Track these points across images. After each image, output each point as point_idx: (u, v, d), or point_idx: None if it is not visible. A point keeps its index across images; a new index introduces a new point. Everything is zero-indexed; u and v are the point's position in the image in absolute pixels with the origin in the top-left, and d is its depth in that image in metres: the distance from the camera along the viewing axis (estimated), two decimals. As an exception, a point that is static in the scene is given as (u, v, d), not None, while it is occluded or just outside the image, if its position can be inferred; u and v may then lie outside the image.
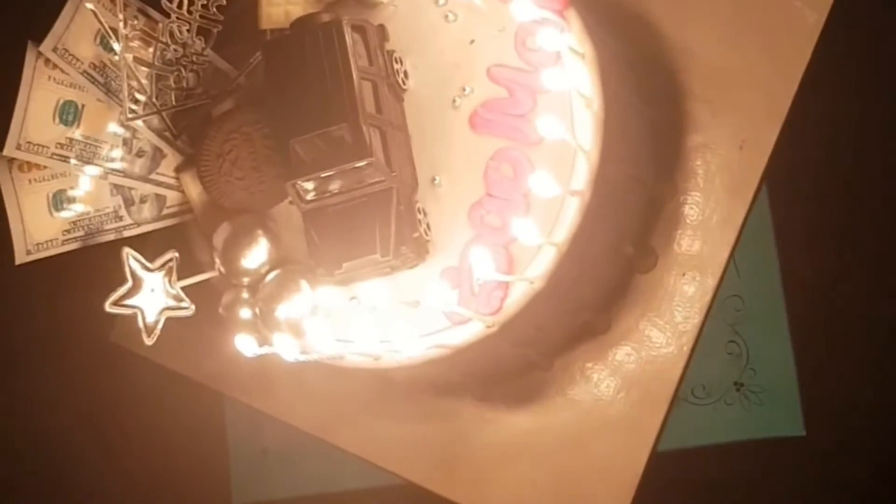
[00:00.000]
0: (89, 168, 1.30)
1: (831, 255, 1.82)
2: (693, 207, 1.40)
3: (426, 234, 1.24)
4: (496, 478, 1.42)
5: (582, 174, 1.20)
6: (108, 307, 1.25)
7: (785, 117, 1.38)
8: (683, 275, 1.39)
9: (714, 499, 1.81)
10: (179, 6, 1.26)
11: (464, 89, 1.26)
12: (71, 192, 1.30)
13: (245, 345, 1.20)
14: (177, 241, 1.32)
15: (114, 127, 1.30)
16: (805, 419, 1.59)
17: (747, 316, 1.61)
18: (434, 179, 1.26)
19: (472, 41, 1.27)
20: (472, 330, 1.22)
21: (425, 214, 1.25)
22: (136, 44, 1.28)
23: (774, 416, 1.59)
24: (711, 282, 1.38)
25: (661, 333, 1.39)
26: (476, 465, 1.43)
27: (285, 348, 1.19)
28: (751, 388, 1.60)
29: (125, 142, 1.31)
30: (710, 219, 1.39)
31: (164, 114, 1.29)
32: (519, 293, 1.21)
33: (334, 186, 1.21)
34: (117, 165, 1.30)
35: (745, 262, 1.59)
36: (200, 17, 1.28)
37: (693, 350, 1.38)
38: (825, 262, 1.80)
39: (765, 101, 1.38)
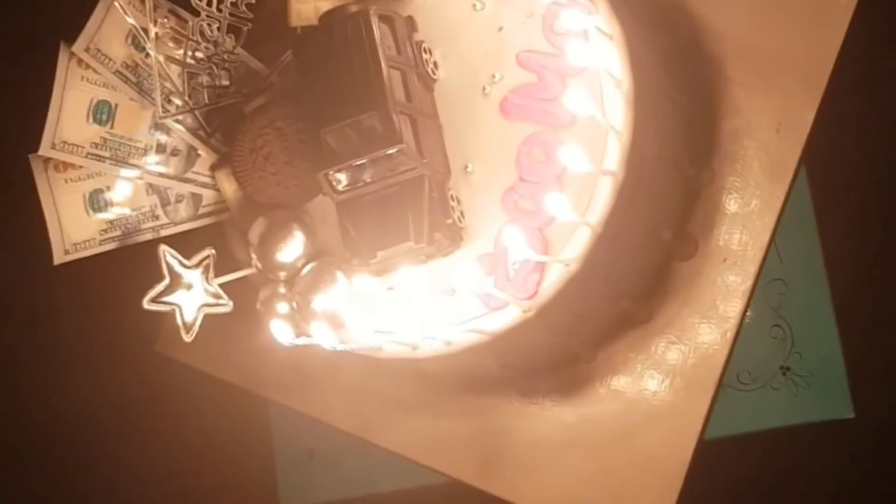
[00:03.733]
0: (125, 168, 1.31)
1: (873, 236, 1.80)
2: (731, 192, 1.39)
3: (460, 222, 1.24)
4: (541, 472, 1.41)
5: (614, 154, 1.20)
6: (146, 304, 1.25)
7: (821, 98, 1.37)
8: (724, 261, 1.38)
9: (764, 484, 1.79)
10: (209, 4, 1.27)
11: (493, 76, 1.27)
12: (107, 192, 1.32)
13: (281, 332, 1.21)
14: (214, 240, 1.32)
15: (148, 126, 1.32)
16: (853, 401, 1.57)
17: (791, 300, 1.59)
18: (467, 167, 1.26)
19: (501, 28, 1.28)
20: (509, 316, 1.22)
21: (458, 202, 1.25)
22: (167, 44, 1.29)
23: (822, 399, 1.57)
24: (753, 267, 1.37)
25: (704, 321, 1.38)
26: (520, 460, 1.42)
27: (323, 337, 1.19)
28: (797, 371, 1.58)
29: (159, 141, 1.32)
30: (750, 203, 1.38)
31: (196, 112, 1.30)
32: (555, 277, 1.21)
33: (366, 176, 1.21)
34: (152, 164, 1.32)
35: (787, 245, 1.57)
36: (230, 14, 1.28)
37: (736, 336, 1.37)
38: (867, 243, 1.79)
39: (800, 82, 1.37)
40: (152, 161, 1.32)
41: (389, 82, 1.19)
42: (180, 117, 1.29)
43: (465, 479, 1.43)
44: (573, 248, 1.20)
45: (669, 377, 1.38)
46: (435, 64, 1.29)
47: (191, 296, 1.27)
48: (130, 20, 1.25)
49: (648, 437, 1.37)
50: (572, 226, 1.20)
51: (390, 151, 1.18)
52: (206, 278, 1.27)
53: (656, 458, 1.36)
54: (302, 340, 1.21)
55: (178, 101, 1.29)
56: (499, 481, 1.41)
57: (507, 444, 1.42)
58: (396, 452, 1.46)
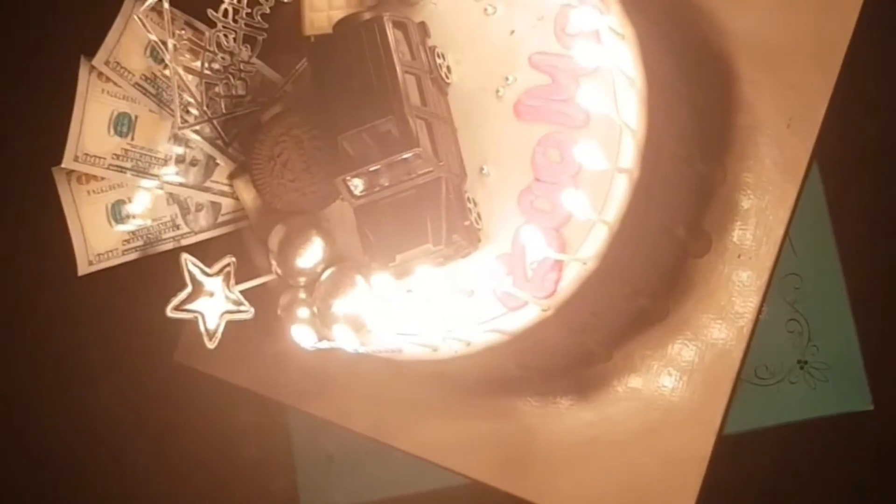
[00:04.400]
0: (145, 178, 1.32)
1: (887, 227, 1.79)
2: (744, 189, 1.39)
3: (477, 223, 1.24)
4: (563, 472, 1.41)
5: (629, 152, 1.21)
6: (170, 312, 1.26)
7: (832, 93, 1.36)
8: (738, 257, 1.38)
9: (784, 478, 1.78)
10: (224, 15, 1.29)
11: (507, 79, 1.27)
12: (129, 203, 1.33)
13: (302, 335, 1.21)
14: (234, 248, 1.34)
15: (167, 137, 1.33)
16: (872, 392, 1.56)
17: (806, 293, 1.59)
18: (482, 169, 1.27)
19: (513, 32, 1.28)
20: (528, 315, 1.23)
21: (475, 204, 1.26)
22: (185, 55, 1.30)
23: (841, 392, 1.57)
24: (767, 262, 1.37)
25: (720, 317, 1.37)
26: (541, 460, 1.41)
27: (345, 339, 1.19)
28: (815, 365, 1.58)
29: (179, 151, 1.33)
30: (763, 199, 1.38)
31: (214, 122, 1.31)
32: (573, 275, 1.21)
33: (384, 180, 1.22)
34: (172, 175, 1.33)
35: (801, 239, 1.57)
36: (245, 25, 1.30)
37: (753, 332, 1.36)
38: (882, 235, 1.78)
39: (810, 77, 1.37)
40: (172, 171, 1.33)
41: (405, 87, 1.20)
42: (198, 127, 1.30)
43: (488, 481, 1.42)
44: (590, 246, 1.21)
45: (687, 374, 1.37)
46: (448, 68, 1.30)
47: (213, 303, 1.27)
48: (150, 34, 1.25)
49: (668, 434, 1.37)
50: (589, 224, 1.21)
51: (407, 155, 1.19)
52: (228, 285, 1.28)
53: (676, 454, 1.36)
54: (323, 344, 1.22)
55: (195, 112, 1.30)
56: (521, 482, 1.41)
57: (527, 445, 1.42)
58: (417, 455, 1.45)
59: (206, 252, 1.33)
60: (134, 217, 1.33)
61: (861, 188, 1.77)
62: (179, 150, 1.33)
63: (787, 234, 1.37)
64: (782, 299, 1.59)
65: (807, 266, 1.59)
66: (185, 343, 1.53)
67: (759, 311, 1.37)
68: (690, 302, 1.39)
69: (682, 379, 1.38)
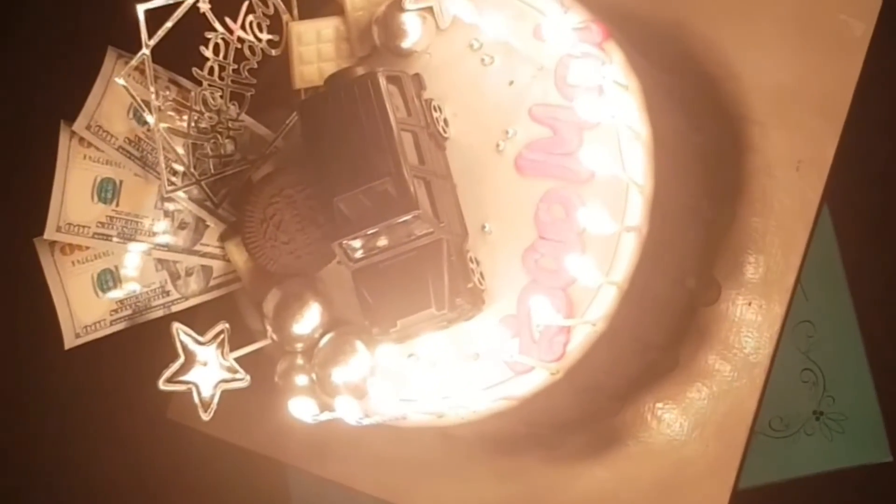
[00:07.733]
0: (132, 245, 1.28)
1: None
2: (754, 234, 1.36)
3: (480, 284, 1.20)
4: (577, 532, 1.38)
5: (636, 209, 1.17)
6: (162, 385, 1.22)
7: (840, 133, 1.34)
8: (749, 304, 1.35)
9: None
10: (210, 73, 1.25)
11: (506, 132, 1.24)
12: (115, 271, 1.29)
13: (301, 409, 1.17)
14: (227, 312, 1.30)
15: (154, 200, 1.29)
16: (891, 443, 1.54)
17: (820, 341, 1.56)
18: (484, 227, 1.23)
19: (512, 82, 1.25)
20: (537, 379, 1.19)
21: (478, 263, 1.22)
22: (170, 114, 1.27)
23: (858, 444, 1.55)
24: (779, 309, 1.34)
25: (732, 366, 1.35)
26: (557, 521, 1.39)
27: (347, 411, 1.15)
28: (831, 415, 1.55)
29: (166, 214, 1.30)
30: (773, 244, 1.35)
31: (203, 183, 1.27)
32: (581, 337, 1.18)
33: (382, 242, 1.18)
34: (160, 239, 1.29)
35: (813, 285, 1.55)
36: (232, 81, 1.27)
37: (766, 381, 1.34)
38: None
39: (818, 118, 1.35)
40: (160, 236, 1.29)
41: (401, 146, 1.16)
42: (186, 189, 1.26)
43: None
44: (599, 307, 1.17)
45: (700, 427, 1.35)
46: (445, 121, 1.26)
47: (207, 372, 1.24)
48: (131, 94, 1.21)
49: (682, 489, 1.34)
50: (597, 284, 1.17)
51: (406, 217, 1.15)
52: (222, 353, 1.24)
53: (691, 510, 1.33)
54: (324, 416, 1.18)
55: (183, 169, 1.26)
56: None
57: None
58: (425, 517, 1.43)
59: (196, 316, 1.29)
60: (121, 286, 1.29)
61: (873, 232, 1.76)
62: (167, 212, 1.29)
63: (798, 280, 1.35)
64: (796, 348, 1.56)
65: (820, 313, 1.57)
66: (178, 401, 1.49)
67: (772, 360, 1.34)
68: (701, 351, 1.37)
69: (694, 431, 1.35)
